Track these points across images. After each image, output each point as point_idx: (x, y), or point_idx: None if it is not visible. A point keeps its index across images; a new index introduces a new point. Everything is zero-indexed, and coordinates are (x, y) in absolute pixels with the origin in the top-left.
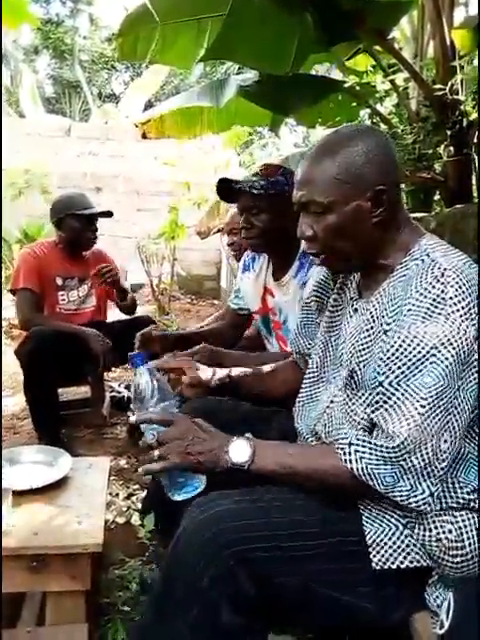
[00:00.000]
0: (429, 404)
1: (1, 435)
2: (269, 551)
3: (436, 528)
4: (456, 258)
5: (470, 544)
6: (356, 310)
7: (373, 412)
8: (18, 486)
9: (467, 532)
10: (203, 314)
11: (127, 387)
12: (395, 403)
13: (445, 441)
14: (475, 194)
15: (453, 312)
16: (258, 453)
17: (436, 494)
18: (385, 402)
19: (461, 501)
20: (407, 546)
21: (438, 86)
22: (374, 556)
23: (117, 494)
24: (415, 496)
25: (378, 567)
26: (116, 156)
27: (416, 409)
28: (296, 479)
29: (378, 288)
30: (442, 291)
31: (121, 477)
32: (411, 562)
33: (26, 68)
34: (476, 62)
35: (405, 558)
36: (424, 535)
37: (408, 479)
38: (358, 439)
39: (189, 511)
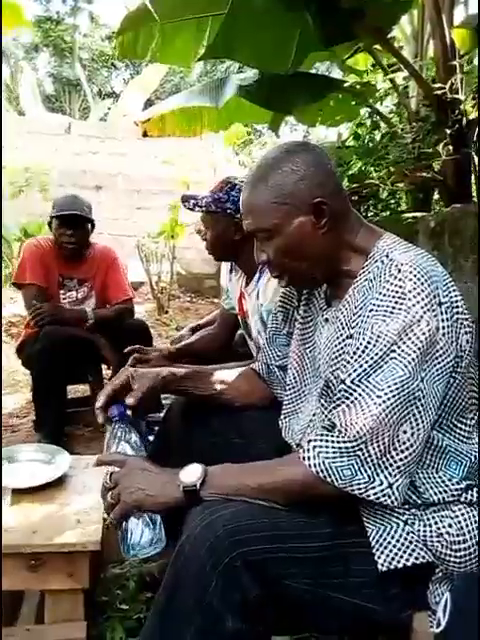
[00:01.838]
0: (387, 396)
1: (1, 435)
2: (274, 553)
3: (436, 523)
4: (413, 252)
5: (471, 538)
6: (327, 320)
7: (334, 408)
8: (17, 485)
9: (467, 526)
10: (202, 312)
11: None
12: (356, 399)
13: (404, 431)
14: (474, 193)
15: (413, 305)
16: (210, 473)
17: (397, 486)
18: (346, 398)
19: (454, 494)
20: (410, 543)
21: (438, 85)
22: (379, 557)
23: None
24: (373, 487)
25: (384, 567)
26: (116, 154)
27: (373, 401)
28: (257, 494)
29: (344, 295)
30: (400, 286)
31: None
32: (417, 558)
33: (26, 66)
34: (476, 61)
35: (410, 555)
36: (425, 531)
37: (365, 471)
38: (316, 435)
39: (194, 513)
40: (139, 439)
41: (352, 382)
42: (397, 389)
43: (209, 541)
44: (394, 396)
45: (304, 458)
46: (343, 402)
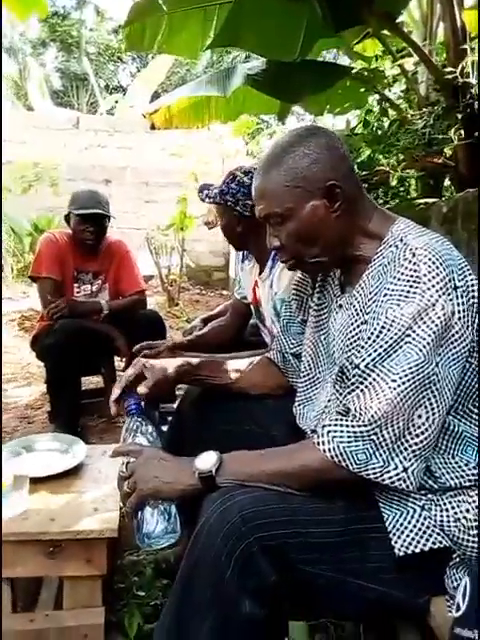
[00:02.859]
0: (402, 380)
1: (1, 424)
2: (291, 538)
3: (453, 508)
4: (428, 236)
5: None
6: (341, 306)
7: (348, 394)
8: (35, 473)
9: None
10: (212, 304)
11: None
12: (370, 384)
13: (419, 416)
14: None
15: (428, 289)
16: (226, 459)
17: (413, 471)
18: (361, 383)
19: (471, 479)
20: (427, 528)
21: (449, 69)
22: (396, 542)
23: None
24: (388, 472)
25: (401, 552)
26: (124, 148)
27: (388, 385)
28: (272, 480)
29: (359, 281)
30: (415, 271)
31: None
32: (434, 543)
33: (34, 62)
34: None
35: (427, 540)
36: (442, 516)
37: (380, 455)
38: (331, 420)
39: (211, 500)
40: (155, 431)
41: (366, 366)
42: (412, 373)
43: (225, 527)
44: (409, 380)
45: (319, 443)
46: (357, 387)
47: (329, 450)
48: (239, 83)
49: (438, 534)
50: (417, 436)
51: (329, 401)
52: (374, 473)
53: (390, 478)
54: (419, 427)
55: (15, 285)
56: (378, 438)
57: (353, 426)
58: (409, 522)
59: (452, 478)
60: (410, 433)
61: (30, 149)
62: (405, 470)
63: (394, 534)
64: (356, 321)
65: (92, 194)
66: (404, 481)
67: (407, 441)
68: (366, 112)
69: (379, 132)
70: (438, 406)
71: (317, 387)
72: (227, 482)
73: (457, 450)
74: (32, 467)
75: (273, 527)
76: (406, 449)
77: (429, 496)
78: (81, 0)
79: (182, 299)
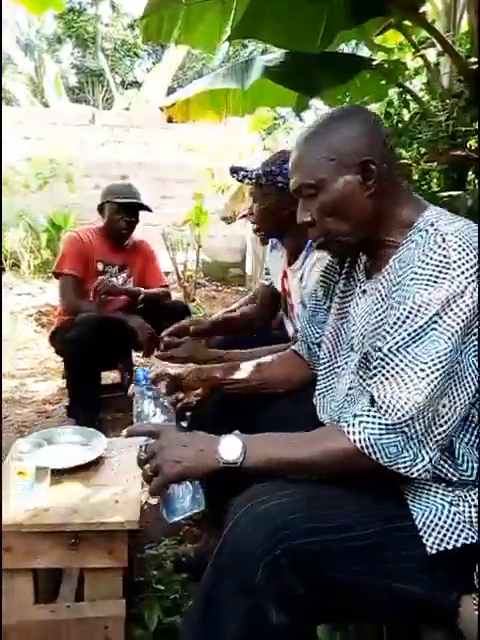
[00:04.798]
0: (431, 370)
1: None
2: (321, 546)
3: None
4: (460, 223)
5: None
6: (364, 291)
7: (371, 378)
8: (56, 465)
9: None
10: (228, 301)
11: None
12: (393, 369)
13: (443, 405)
14: None
15: (458, 275)
16: (249, 448)
17: (433, 461)
18: (383, 368)
19: None
20: (457, 524)
21: (473, 60)
22: (427, 540)
23: None
24: (416, 465)
25: (433, 550)
26: (140, 143)
27: (417, 375)
28: (295, 470)
29: (385, 266)
30: (445, 256)
31: None
32: (466, 539)
33: (49, 58)
34: None
35: (459, 536)
36: (470, 511)
37: (411, 448)
38: (363, 410)
39: (238, 505)
40: (168, 405)
41: (389, 350)
42: (440, 362)
43: (254, 538)
44: (438, 370)
45: (349, 432)
46: (380, 371)
47: (360, 440)
48: (257, 75)
49: (469, 530)
50: (440, 426)
51: (350, 389)
52: (404, 467)
53: (417, 471)
54: (443, 417)
55: (32, 281)
56: (409, 430)
57: (384, 418)
58: (439, 519)
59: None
60: (435, 424)
61: (46, 145)
62: (430, 461)
63: (425, 532)
64: (380, 307)
65: (129, 186)
66: (427, 472)
67: (432, 432)
68: (387, 104)
69: (400, 125)
70: (461, 394)
71: (336, 375)
72: (251, 466)
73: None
74: (53, 459)
75: (301, 536)
76: (431, 440)
77: (457, 492)
78: None
79: (198, 295)
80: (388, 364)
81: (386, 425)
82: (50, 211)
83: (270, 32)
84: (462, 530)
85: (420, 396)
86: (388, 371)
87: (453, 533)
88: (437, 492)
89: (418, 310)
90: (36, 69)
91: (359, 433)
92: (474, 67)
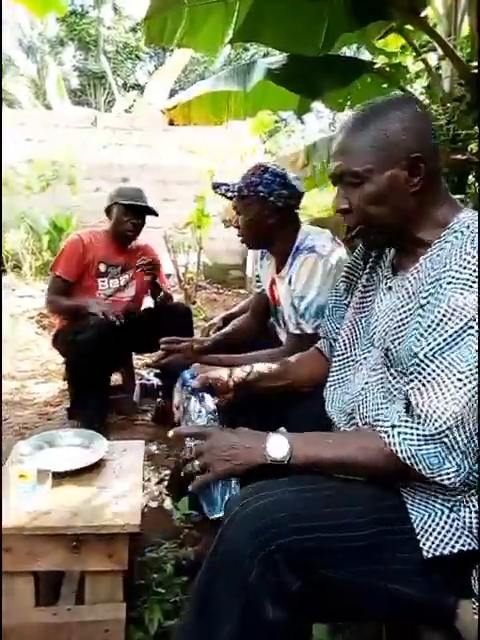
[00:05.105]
0: (468, 378)
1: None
2: (317, 543)
3: None
4: None
5: None
6: (390, 288)
7: (407, 385)
8: (57, 468)
9: None
10: (229, 303)
11: (157, 375)
12: (429, 376)
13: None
14: None
15: None
16: (295, 447)
17: (474, 470)
18: (419, 374)
19: None
20: (456, 530)
21: (474, 63)
22: (424, 543)
23: (149, 479)
24: (459, 475)
25: (429, 554)
26: (142, 146)
27: (453, 384)
28: (337, 469)
29: (415, 264)
30: None
31: (152, 462)
32: (463, 545)
33: (51, 60)
34: None
35: (456, 542)
36: (470, 517)
37: (454, 458)
38: (401, 420)
39: (235, 501)
40: (211, 408)
41: (425, 356)
42: (476, 368)
43: (249, 533)
44: (476, 379)
45: (389, 443)
46: (416, 377)
47: (400, 451)
48: (259, 78)
49: (467, 536)
50: (478, 435)
51: (366, 383)
52: (448, 477)
53: (460, 480)
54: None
55: (34, 283)
56: (450, 441)
57: (422, 428)
58: (437, 523)
59: None
60: (476, 432)
61: (48, 147)
62: (469, 471)
63: (422, 536)
64: (407, 304)
65: (139, 190)
66: (461, 480)
67: (474, 443)
68: None
69: None
70: None
71: (351, 369)
72: (297, 466)
73: None
74: (54, 462)
75: (297, 533)
76: (473, 450)
77: (458, 497)
78: None
79: (199, 297)
80: (424, 370)
81: (425, 436)
82: (52, 213)
83: (272, 35)
84: (460, 536)
85: (457, 406)
86: (425, 377)
87: (451, 539)
88: (437, 497)
89: (453, 314)
90: (38, 71)
91: (399, 443)
92: (475, 71)
